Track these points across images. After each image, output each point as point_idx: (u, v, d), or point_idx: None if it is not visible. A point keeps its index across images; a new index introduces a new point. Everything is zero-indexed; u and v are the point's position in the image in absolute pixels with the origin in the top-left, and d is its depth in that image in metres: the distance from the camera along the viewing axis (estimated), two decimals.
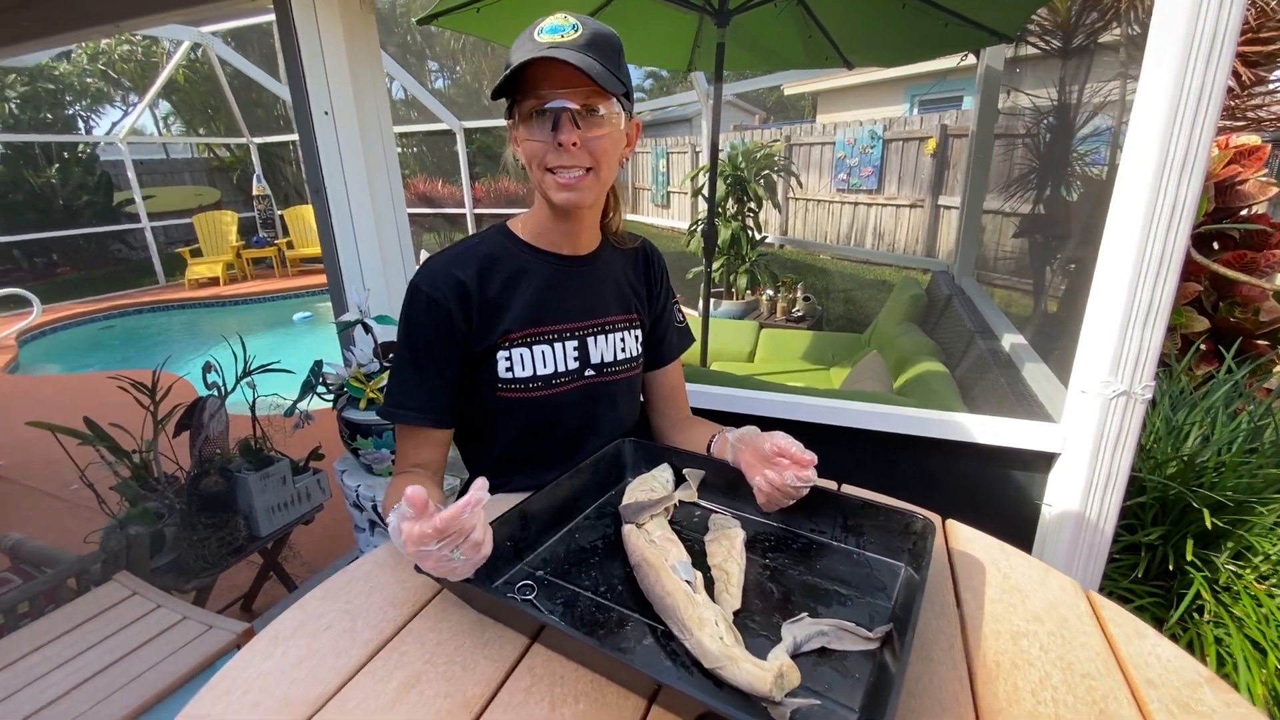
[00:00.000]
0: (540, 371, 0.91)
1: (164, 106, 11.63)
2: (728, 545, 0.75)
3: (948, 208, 6.13)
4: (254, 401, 2.00)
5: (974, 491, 1.56)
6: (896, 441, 1.56)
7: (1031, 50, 2.93)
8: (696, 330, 3.16)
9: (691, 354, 3.89)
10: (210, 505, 1.86)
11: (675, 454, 0.92)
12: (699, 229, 3.00)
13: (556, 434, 0.96)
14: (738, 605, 0.67)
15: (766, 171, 5.01)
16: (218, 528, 1.84)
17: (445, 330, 0.86)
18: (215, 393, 2.04)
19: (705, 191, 5.56)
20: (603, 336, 0.96)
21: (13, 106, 8.16)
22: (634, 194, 11.46)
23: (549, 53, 0.75)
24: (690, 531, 0.82)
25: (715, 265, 4.82)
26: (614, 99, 0.81)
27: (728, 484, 0.86)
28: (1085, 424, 1.31)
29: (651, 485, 0.83)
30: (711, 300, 5.02)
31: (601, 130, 0.81)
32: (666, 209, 10.47)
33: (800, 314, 4.43)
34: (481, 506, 0.60)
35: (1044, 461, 1.46)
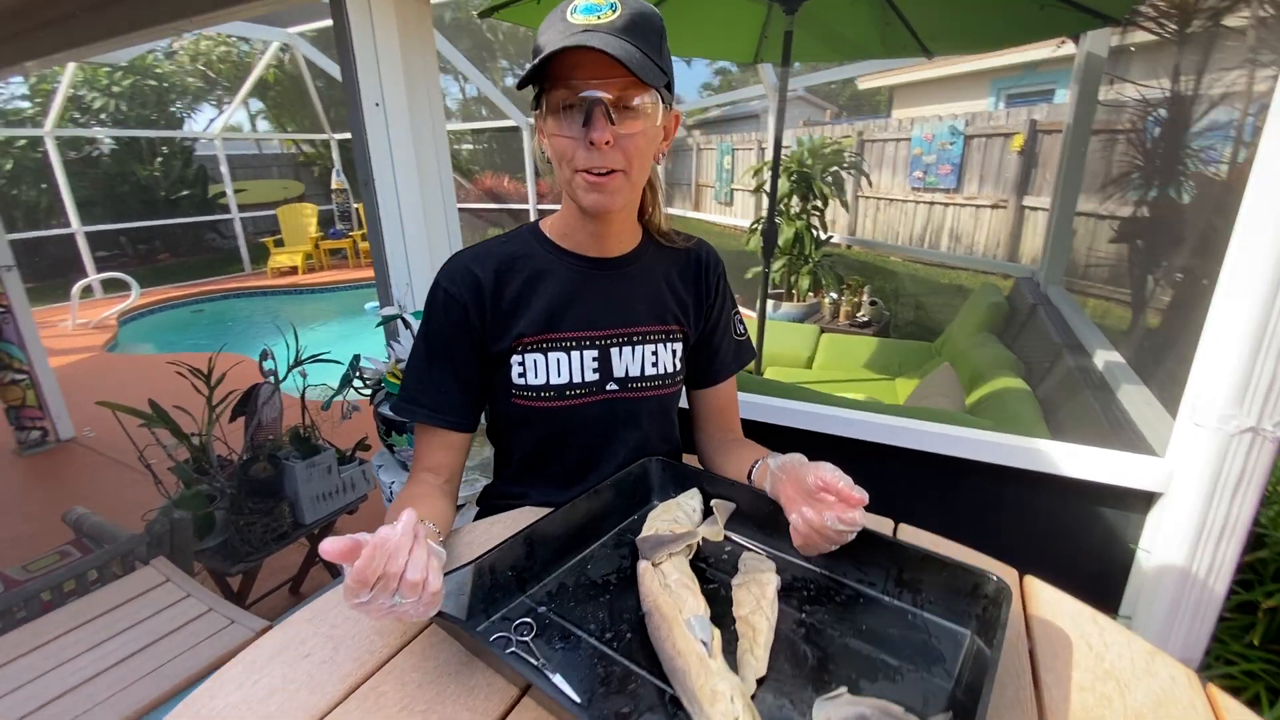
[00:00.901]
0: (554, 380, 0.83)
1: (255, 104, 12.35)
2: (758, 594, 0.65)
3: (1034, 209, 5.70)
4: (304, 390, 2.03)
5: (1054, 530, 1.38)
6: (965, 468, 1.40)
7: (1141, 36, 2.64)
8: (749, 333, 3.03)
9: None
10: (258, 491, 1.89)
11: (707, 479, 0.82)
12: (760, 227, 2.87)
13: (571, 450, 0.88)
14: (763, 671, 0.57)
15: (835, 168, 4.77)
16: (264, 513, 1.87)
17: (462, 329, 0.81)
18: (270, 380, 2.09)
19: (768, 188, 5.39)
20: (629, 348, 0.87)
21: (121, 104, 8.81)
22: (697, 191, 11.31)
23: (582, 39, 0.66)
24: (717, 571, 0.73)
25: (776, 265, 4.65)
26: (653, 90, 0.72)
27: (765, 517, 0.76)
28: (1198, 462, 1.12)
29: (676, 515, 0.74)
30: (771, 302, 4.85)
31: (638, 126, 0.73)
32: (729, 207, 10.27)
33: (865, 319, 4.20)
34: (408, 540, 0.52)
35: (1142, 501, 1.27)
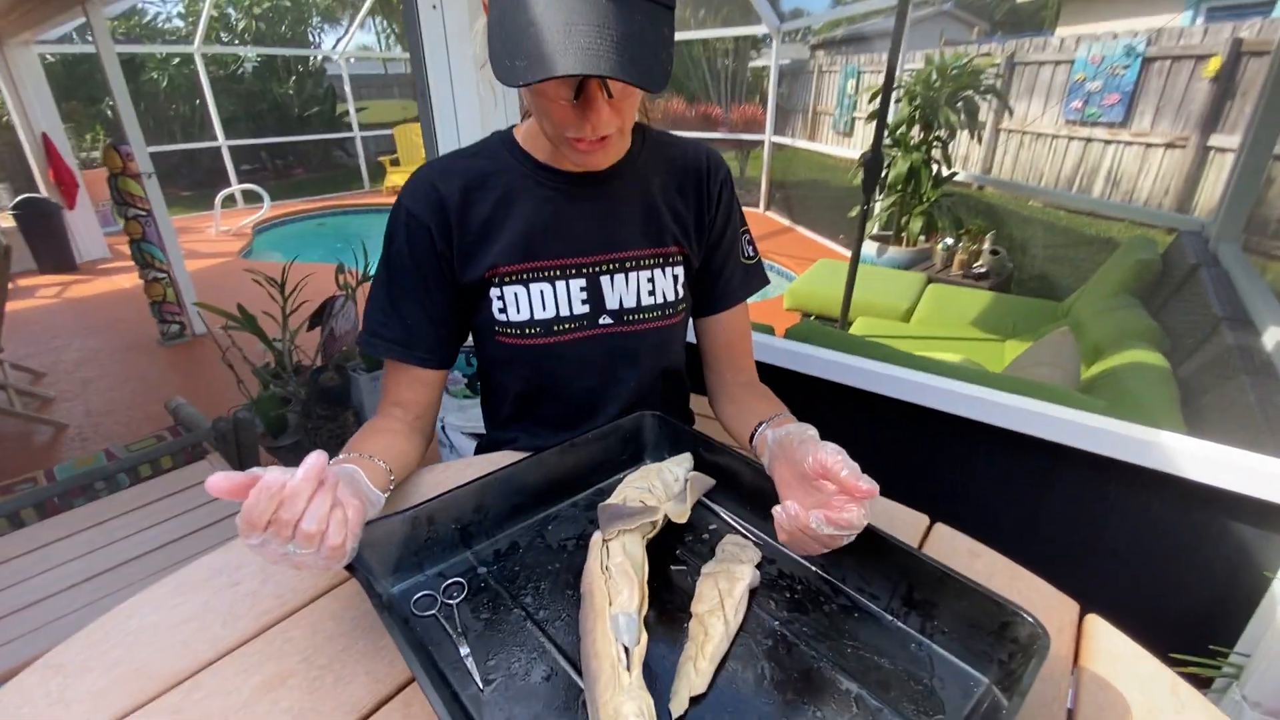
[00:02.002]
0: (540, 315, 0.73)
1: (386, 25, 12.66)
2: (725, 588, 0.54)
3: (1221, 150, 4.72)
4: None
5: (1165, 541, 1.15)
6: (1061, 455, 1.18)
7: None
8: (840, 278, 2.76)
9: (829, 304, 3.45)
10: (326, 398, 1.98)
11: (705, 445, 0.70)
12: (864, 158, 2.52)
13: (564, 394, 0.79)
14: (702, 688, 0.47)
15: (968, 92, 4.14)
16: (330, 419, 1.97)
17: (426, 254, 0.72)
18: (346, 293, 2.16)
19: (888, 114, 4.81)
20: (622, 276, 0.75)
21: (260, 23, 9.32)
22: (813, 118, 10.45)
23: (586, 69, 0.50)
24: (690, 554, 0.62)
25: (885, 204, 4.20)
26: None
27: (761, 495, 0.64)
28: None
29: (652, 483, 0.63)
30: (874, 245, 4.43)
31: (635, 93, 0.61)
32: (849, 138, 9.39)
33: (983, 270, 3.72)
34: (309, 487, 0.45)
35: None
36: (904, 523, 0.68)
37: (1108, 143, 5.74)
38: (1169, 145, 5.18)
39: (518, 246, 0.72)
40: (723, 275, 0.82)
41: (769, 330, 1.69)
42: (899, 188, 4.06)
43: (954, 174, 4.31)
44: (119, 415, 2.95)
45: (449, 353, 0.77)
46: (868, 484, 0.49)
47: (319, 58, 10.52)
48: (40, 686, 0.48)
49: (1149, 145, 5.35)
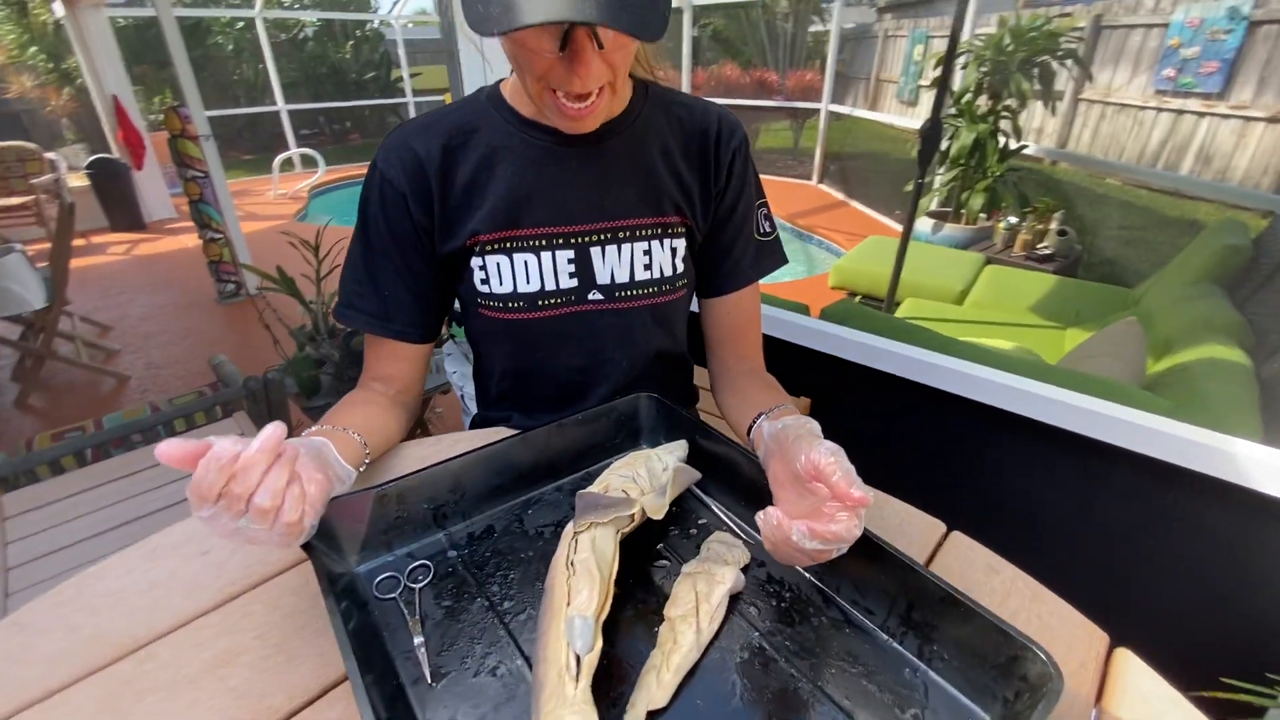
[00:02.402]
0: (523, 288, 0.68)
1: None
2: (703, 591, 0.50)
3: None
4: None
5: (1231, 558, 1.04)
6: (1113, 457, 1.08)
7: None
8: (890, 256, 2.61)
9: (877, 283, 3.28)
10: (357, 361, 2.01)
11: (703, 433, 0.65)
12: (922, 128, 2.32)
13: (551, 373, 0.75)
14: (663, 702, 0.43)
15: (1044, 58, 3.82)
16: None
17: (401, 222, 0.66)
18: None
19: (952, 83, 4.47)
20: (614, 247, 0.69)
21: None
22: (875, 87, 9.95)
23: (570, 15, 0.46)
24: (675, 551, 0.58)
25: (945, 178, 3.96)
26: None
27: (756, 488, 0.58)
28: None
29: (638, 472, 0.59)
30: (930, 221, 4.19)
31: (630, 43, 0.55)
32: (913, 107, 8.90)
33: (1048, 251, 3.48)
34: (264, 459, 0.43)
35: None
36: (916, 529, 0.61)
37: (1201, 115, 5.25)
38: (1271, 119, 4.70)
39: (500, 212, 0.66)
40: (732, 253, 0.75)
41: (803, 309, 1.61)
42: (961, 161, 3.81)
43: (1023, 147, 4.02)
44: (175, 369, 3.10)
45: (431, 326, 0.72)
46: (861, 492, 0.44)
47: (376, 22, 10.62)
48: (2, 645, 0.48)
49: (1248, 119, 4.86)
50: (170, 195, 6.05)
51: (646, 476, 0.58)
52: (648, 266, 0.71)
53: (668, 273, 0.72)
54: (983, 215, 3.88)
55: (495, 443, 0.61)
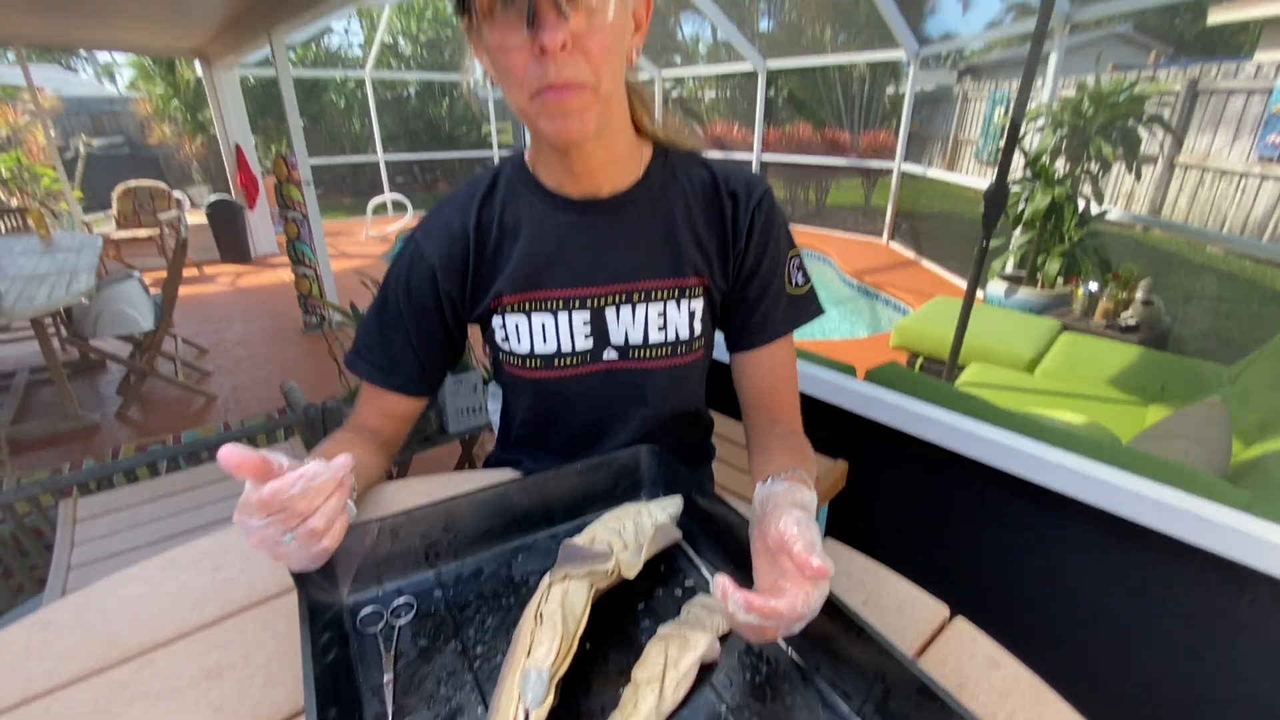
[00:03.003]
0: (540, 348, 0.71)
1: None
2: (674, 655, 0.48)
3: None
4: None
5: None
6: (1180, 553, 0.98)
7: None
8: (953, 316, 2.52)
9: (940, 345, 3.15)
10: None
11: (699, 488, 0.65)
12: (987, 190, 2.24)
13: (567, 428, 0.77)
14: None
15: (1130, 121, 3.67)
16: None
17: (421, 291, 0.70)
18: None
19: (1026, 143, 4.33)
20: (628, 308, 0.70)
21: (424, 51, 10.34)
22: (953, 147, 9.81)
23: None
24: (656, 612, 0.57)
25: (1020, 241, 3.81)
26: None
27: (745, 552, 0.57)
28: None
29: (624, 525, 0.59)
30: (1005, 285, 4.03)
31: (601, 16, 0.54)
32: (993, 168, 8.73)
33: (1132, 322, 3.25)
34: (332, 485, 0.49)
35: None
36: (916, 611, 0.58)
37: None
38: None
39: (520, 275, 0.69)
40: (760, 306, 0.73)
41: (849, 370, 1.57)
42: (1036, 224, 3.67)
43: (1104, 212, 3.83)
44: (255, 392, 3.33)
45: (428, 384, 0.75)
46: (819, 562, 0.42)
47: (471, 82, 11.50)
48: (25, 639, 0.53)
49: None
50: (275, 233, 6.65)
51: (633, 531, 0.58)
52: (662, 328, 0.72)
53: (683, 335, 0.72)
54: (1060, 280, 3.69)
55: (494, 486, 0.63)
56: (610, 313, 0.71)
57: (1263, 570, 0.91)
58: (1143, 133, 3.67)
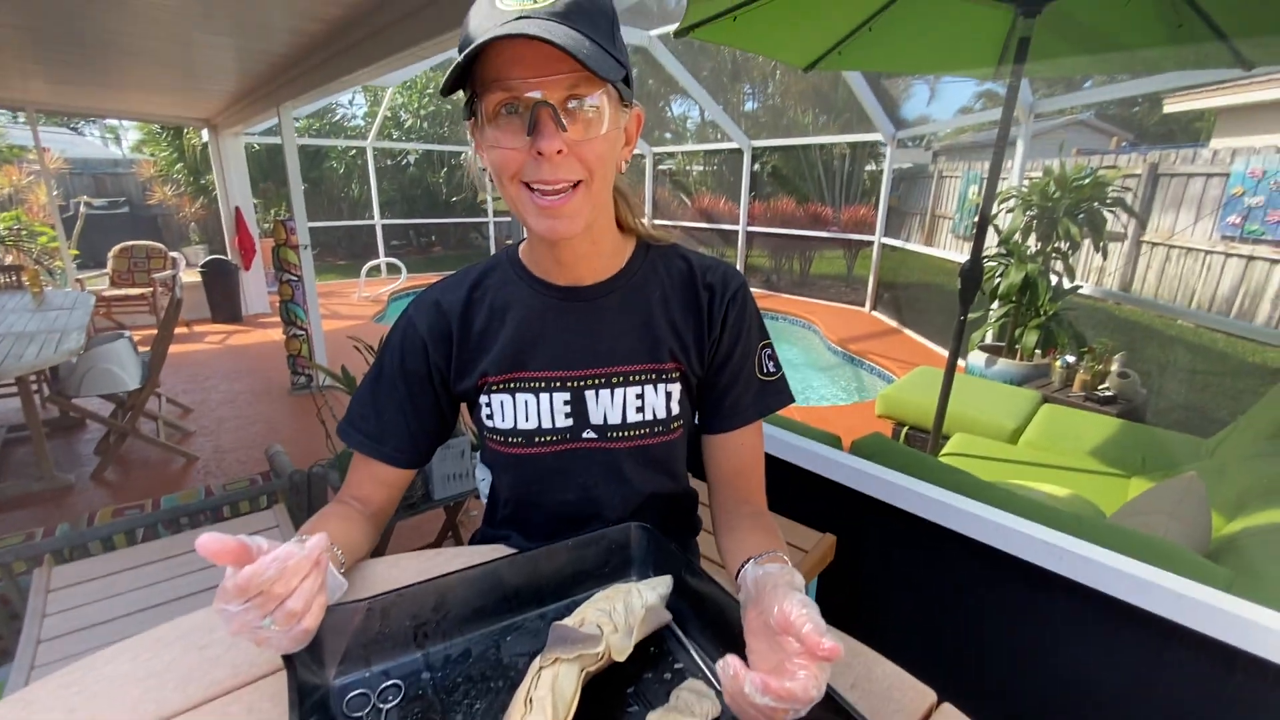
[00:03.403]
0: (522, 425, 0.74)
1: None
2: None
3: None
4: None
5: None
6: (1166, 631, 0.99)
7: None
8: (936, 386, 2.58)
9: (924, 415, 3.20)
10: None
11: (690, 569, 0.66)
12: (962, 267, 2.37)
13: (545, 506, 0.78)
14: None
15: (1093, 204, 3.89)
16: None
17: (417, 365, 0.75)
18: None
19: (997, 221, 4.57)
20: (607, 390, 0.74)
21: (425, 123, 10.79)
22: (931, 222, 10.25)
23: (515, 27, 0.54)
24: (644, 698, 0.57)
25: (997, 313, 3.94)
26: (608, 84, 0.59)
27: (736, 634, 0.58)
28: None
29: (615, 606, 0.60)
30: (985, 356, 4.13)
31: (595, 129, 0.60)
32: (969, 242, 9.10)
33: (1109, 393, 3.33)
34: (307, 565, 0.50)
35: None
36: (905, 695, 0.58)
37: (1275, 262, 5.11)
38: None
39: (507, 356, 0.73)
40: (732, 391, 0.77)
41: (834, 441, 1.60)
42: (1012, 298, 3.81)
43: (1077, 287, 3.99)
44: (239, 454, 3.28)
45: (418, 454, 0.78)
46: (831, 644, 0.44)
47: (470, 153, 11.96)
48: (6, 718, 0.52)
49: None
50: (268, 293, 6.71)
51: (623, 612, 0.59)
52: (640, 409, 0.75)
53: (660, 415, 0.75)
54: (1038, 352, 3.80)
55: (484, 564, 0.64)
56: (590, 394, 0.74)
57: (1250, 651, 0.91)
58: (1106, 214, 3.88)
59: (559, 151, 0.58)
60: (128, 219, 9.35)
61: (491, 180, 0.65)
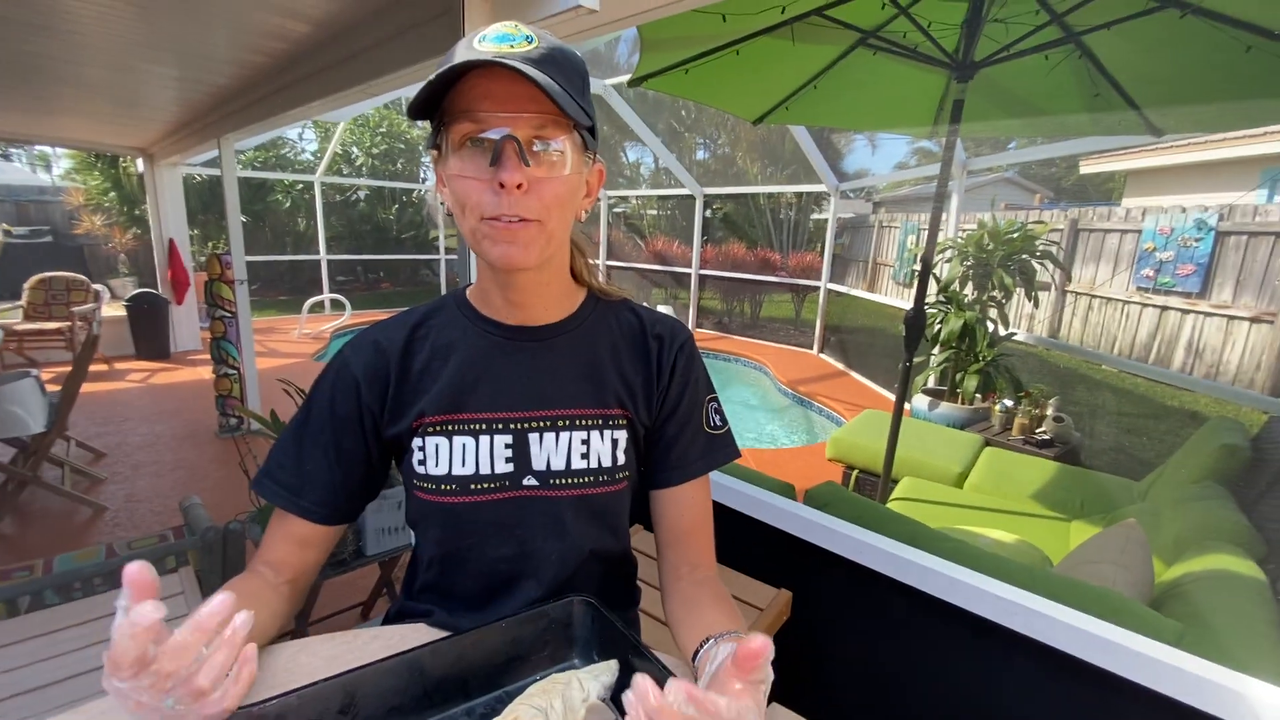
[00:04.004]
0: (457, 470, 0.68)
1: None
2: None
3: None
4: None
5: None
6: (1119, 688, 0.97)
7: None
8: (884, 429, 2.61)
9: (873, 458, 3.25)
10: None
11: (637, 651, 0.59)
12: (906, 315, 2.48)
13: (476, 564, 0.71)
14: None
15: (1023, 256, 4.12)
16: None
17: (346, 403, 0.69)
18: None
19: (937, 271, 4.81)
20: (553, 434, 0.69)
21: (376, 160, 10.69)
22: (873, 270, 10.69)
23: (492, 58, 0.55)
24: None
25: (939, 359, 4.08)
26: (575, 130, 0.60)
27: None
28: None
29: (552, 703, 0.53)
30: (928, 400, 4.25)
31: (556, 170, 0.60)
32: (909, 289, 9.50)
33: (1046, 436, 3.46)
34: (202, 636, 0.45)
35: None
36: None
37: (1185, 312, 5.50)
38: (1255, 319, 4.91)
39: (446, 396, 0.69)
40: (679, 443, 0.75)
41: (788, 490, 1.57)
42: (952, 344, 3.96)
43: (1011, 334, 4.18)
44: (154, 503, 3.02)
45: (340, 511, 0.70)
46: (760, 641, 0.43)
47: (422, 190, 11.87)
48: None
49: (1232, 318, 5.08)
50: (200, 329, 6.36)
51: (561, 710, 0.52)
52: (584, 455, 0.70)
53: (605, 463, 0.71)
54: (978, 396, 3.94)
55: (404, 653, 0.56)
56: (534, 438, 0.69)
57: (1201, 708, 0.91)
58: (1036, 266, 4.12)
59: (519, 186, 0.58)
60: (50, 249, 8.80)
61: (448, 215, 0.64)
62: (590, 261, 0.77)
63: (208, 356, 4.11)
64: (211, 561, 1.52)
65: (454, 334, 0.71)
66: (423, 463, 0.68)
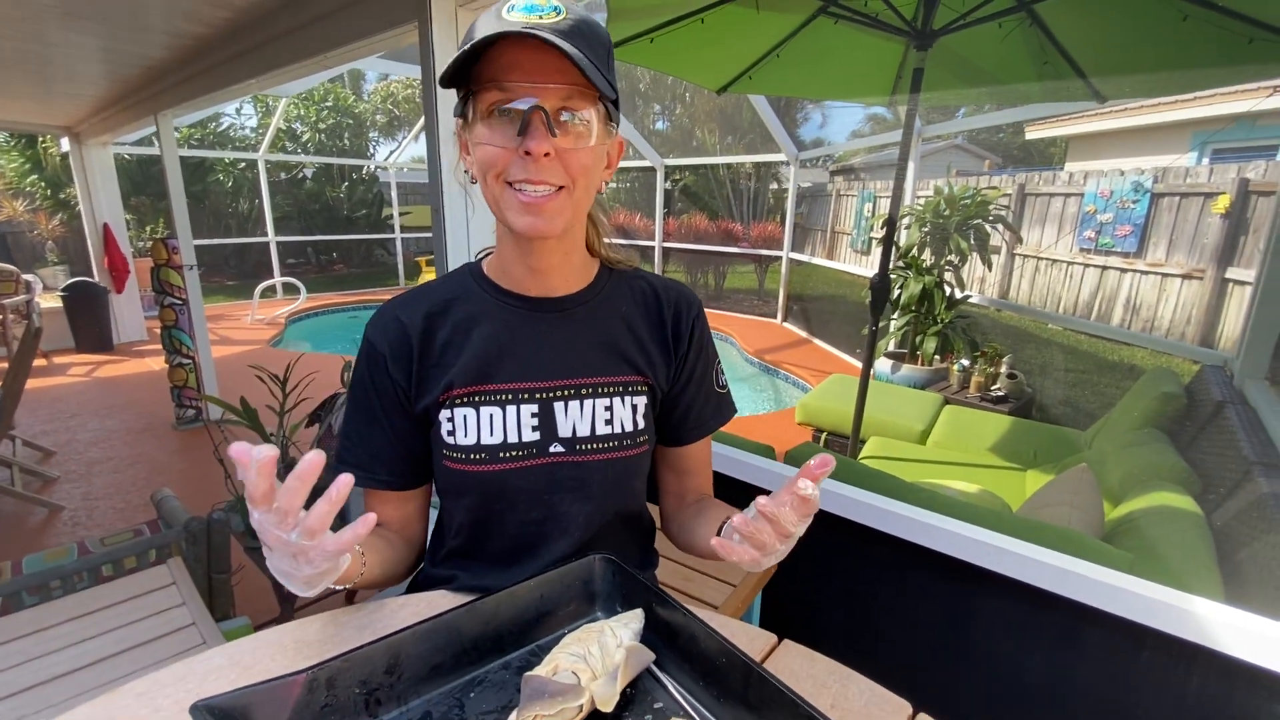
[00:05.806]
0: (486, 440, 0.70)
1: None
2: None
3: (1239, 283, 4.73)
4: None
5: None
6: (1083, 615, 1.06)
7: None
8: (850, 393, 2.71)
9: (841, 421, 3.38)
10: (314, 500, 1.93)
11: (661, 601, 0.63)
12: (872, 281, 2.59)
13: (505, 528, 0.74)
14: None
15: (977, 221, 4.28)
16: None
17: (384, 383, 0.72)
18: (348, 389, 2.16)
19: (897, 238, 4.95)
20: (577, 402, 0.73)
21: (323, 136, 10.24)
22: (831, 238, 10.88)
23: (521, 29, 0.56)
24: None
25: (899, 323, 4.22)
26: (600, 102, 0.62)
27: (716, 668, 0.56)
28: None
29: (590, 649, 0.56)
30: (889, 362, 4.41)
31: (584, 141, 0.62)
32: (867, 256, 9.71)
33: (1001, 393, 3.64)
34: (302, 486, 0.48)
35: None
36: (881, 710, 0.58)
37: (1123, 271, 5.80)
38: (1186, 276, 5.21)
39: (472, 368, 0.71)
40: (694, 406, 0.81)
41: (768, 451, 1.63)
42: (912, 308, 4.10)
43: (967, 297, 4.35)
44: (115, 500, 2.92)
45: (413, 475, 0.75)
46: (818, 460, 0.52)
47: (373, 167, 11.44)
48: None
49: (1165, 275, 5.38)
50: (145, 318, 6.07)
51: (599, 655, 0.56)
52: (608, 421, 0.73)
53: (628, 428, 0.74)
54: (937, 358, 4.10)
55: (438, 616, 0.58)
56: (559, 406, 0.72)
57: (1153, 626, 1.00)
58: (989, 230, 4.27)
59: (546, 154, 0.60)
60: None
61: (472, 183, 0.66)
62: (604, 228, 0.79)
63: (157, 347, 3.95)
64: (197, 552, 1.50)
65: (475, 308, 0.73)
66: (451, 433, 0.70)
